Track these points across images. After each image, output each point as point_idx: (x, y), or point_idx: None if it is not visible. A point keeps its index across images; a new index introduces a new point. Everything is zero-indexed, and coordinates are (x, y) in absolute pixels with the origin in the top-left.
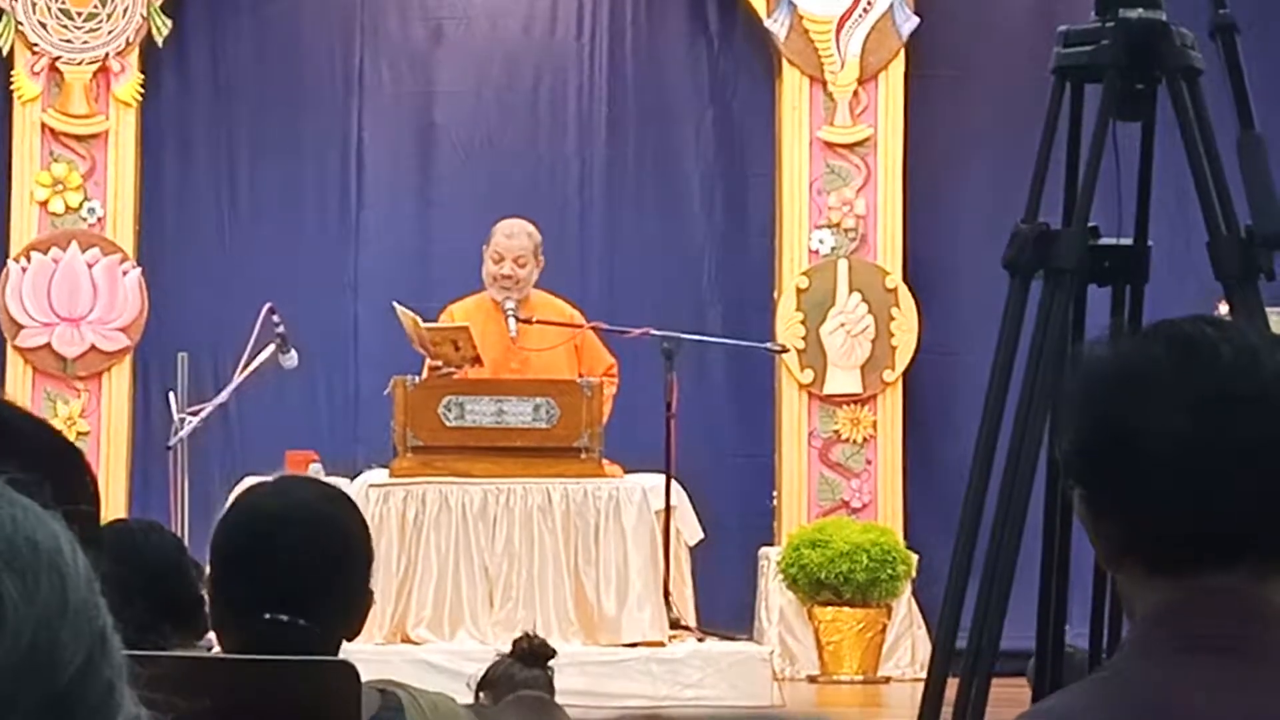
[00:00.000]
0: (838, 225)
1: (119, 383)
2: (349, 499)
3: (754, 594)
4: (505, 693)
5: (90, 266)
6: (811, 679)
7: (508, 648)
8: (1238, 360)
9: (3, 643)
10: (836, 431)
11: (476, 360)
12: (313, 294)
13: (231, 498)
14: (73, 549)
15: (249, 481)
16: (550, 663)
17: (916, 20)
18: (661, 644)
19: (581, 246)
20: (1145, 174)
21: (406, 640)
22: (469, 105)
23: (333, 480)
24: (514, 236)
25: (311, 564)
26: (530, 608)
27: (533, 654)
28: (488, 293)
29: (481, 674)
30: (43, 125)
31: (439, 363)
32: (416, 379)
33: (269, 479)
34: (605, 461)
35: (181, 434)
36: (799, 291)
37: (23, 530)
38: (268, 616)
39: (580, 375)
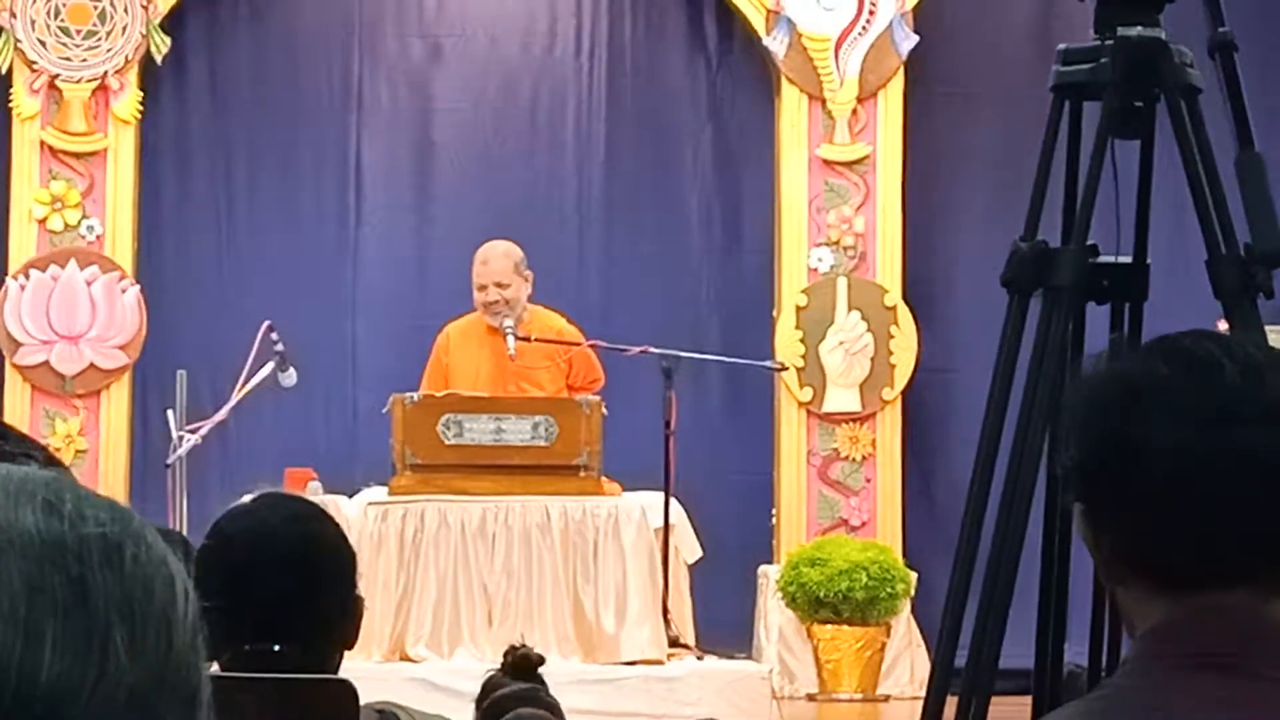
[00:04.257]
0: (837, 243)
1: (117, 400)
2: (321, 513)
3: (753, 612)
4: (500, 707)
5: (89, 284)
6: (810, 697)
7: None
8: (1241, 377)
9: (96, 700)
10: (835, 450)
11: None
12: (311, 311)
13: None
14: (185, 594)
15: (246, 500)
16: (543, 672)
17: (915, 38)
18: (660, 662)
19: (580, 264)
20: (1144, 192)
21: (405, 658)
22: (467, 123)
23: (330, 498)
24: (490, 261)
25: (285, 590)
26: (529, 626)
27: (517, 666)
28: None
29: (479, 691)
30: (41, 143)
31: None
32: (415, 397)
33: (243, 501)
34: (604, 479)
35: (180, 452)
36: (798, 309)
37: (142, 573)
38: (248, 648)
39: (567, 383)
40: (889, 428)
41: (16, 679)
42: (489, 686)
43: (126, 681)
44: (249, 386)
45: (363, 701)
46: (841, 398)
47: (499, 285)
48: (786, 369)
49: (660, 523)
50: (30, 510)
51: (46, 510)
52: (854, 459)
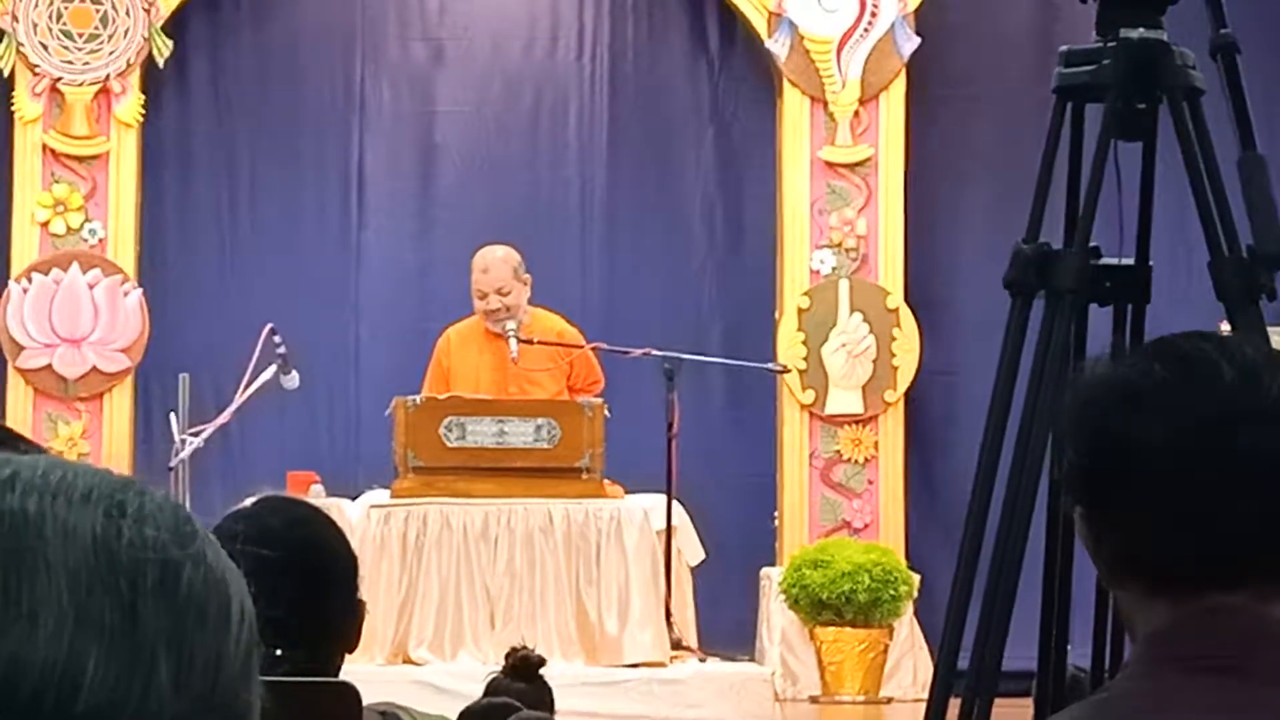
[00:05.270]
0: (839, 245)
1: (120, 404)
2: (323, 516)
3: (755, 614)
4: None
5: (91, 287)
6: (813, 700)
7: None
8: (1239, 379)
9: None
10: (838, 452)
11: None
12: (314, 314)
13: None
14: (241, 616)
15: (248, 503)
16: (546, 674)
17: (918, 40)
18: (663, 664)
19: (582, 266)
20: (1146, 194)
21: (408, 661)
22: (470, 125)
23: (333, 501)
24: (490, 269)
25: (286, 594)
26: (532, 628)
27: (514, 668)
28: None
29: (482, 693)
30: (44, 146)
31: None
32: (417, 399)
33: (245, 504)
34: (606, 482)
35: (183, 455)
36: (800, 311)
37: (196, 599)
38: None
39: (568, 385)
40: (891, 430)
41: (55, 701)
42: (491, 689)
43: (168, 712)
44: (251, 389)
45: (365, 704)
46: (844, 400)
47: (500, 293)
48: (788, 371)
49: (662, 525)
50: (89, 523)
51: (106, 523)
52: (856, 461)
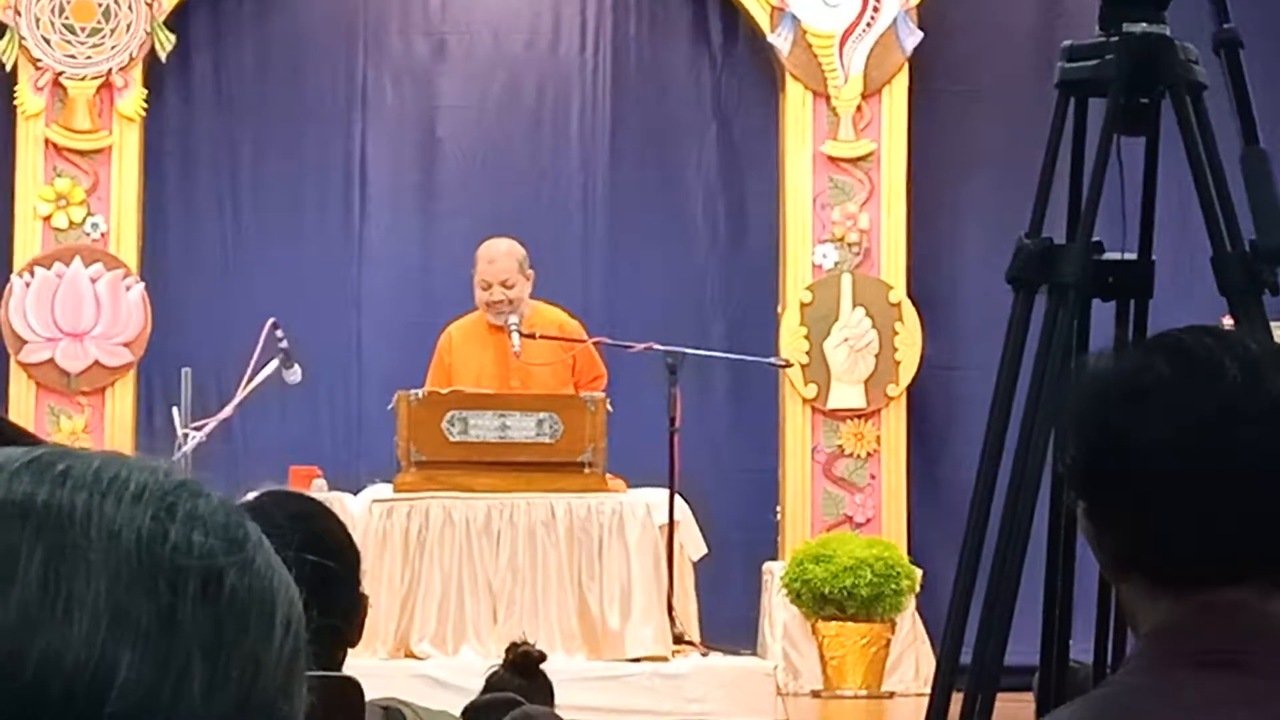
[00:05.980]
0: (841, 240)
1: (122, 398)
2: (326, 510)
3: (757, 609)
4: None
5: (94, 282)
6: (815, 694)
7: None
8: (1241, 374)
9: None
10: (840, 446)
11: None
12: (316, 309)
13: None
14: (286, 626)
15: (250, 497)
16: (548, 669)
17: (920, 35)
18: (665, 659)
19: (584, 261)
20: (1149, 189)
21: (410, 655)
22: (472, 120)
23: (335, 495)
24: (495, 260)
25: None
26: (534, 623)
27: (514, 664)
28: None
29: (483, 688)
30: (46, 140)
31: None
32: (420, 393)
33: (247, 499)
34: (609, 476)
35: (185, 449)
36: (802, 306)
37: (238, 606)
38: None
39: (574, 383)
40: (894, 424)
41: (85, 702)
42: (492, 684)
43: (200, 718)
44: (254, 384)
45: (368, 698)
46: (846, 394)
47: (504, 285)
48: (791, 365)
49: (665, 519)
50: (136, 524)
51: (153, 525)
52: (859, 455)
